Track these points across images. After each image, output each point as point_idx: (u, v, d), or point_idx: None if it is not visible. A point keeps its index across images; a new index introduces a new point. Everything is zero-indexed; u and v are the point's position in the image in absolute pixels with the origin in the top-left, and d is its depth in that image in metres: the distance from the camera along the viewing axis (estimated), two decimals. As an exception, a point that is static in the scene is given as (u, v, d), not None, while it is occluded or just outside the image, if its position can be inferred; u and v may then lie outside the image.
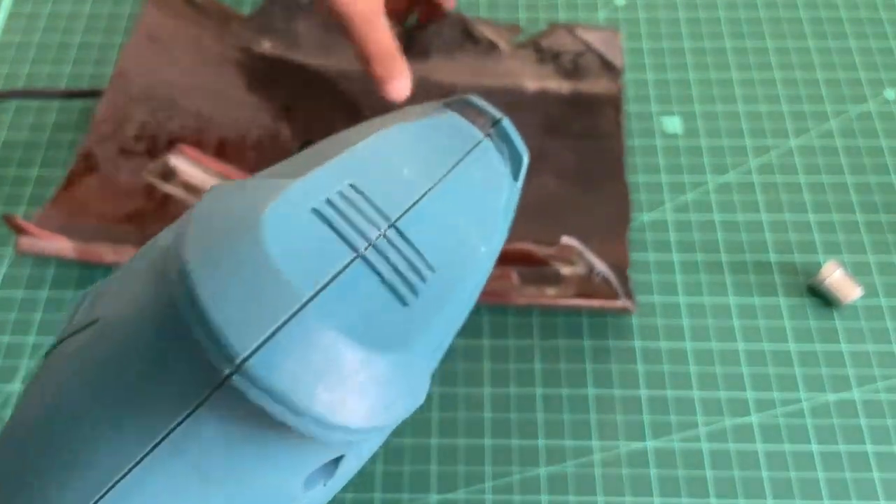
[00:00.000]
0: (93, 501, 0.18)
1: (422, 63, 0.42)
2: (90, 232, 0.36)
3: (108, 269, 0.37)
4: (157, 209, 0.37)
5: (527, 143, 0.39)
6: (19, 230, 0.35)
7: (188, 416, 0.18)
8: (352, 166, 0.21)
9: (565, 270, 0.34)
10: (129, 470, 0.18)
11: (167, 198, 0.38)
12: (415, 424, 0.33)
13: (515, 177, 0.25)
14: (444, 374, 0.34)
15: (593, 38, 0.42)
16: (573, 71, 0.42)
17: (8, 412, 0.34)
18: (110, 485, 0.18)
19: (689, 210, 0.39)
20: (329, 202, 0.20)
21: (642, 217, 0.39)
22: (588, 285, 0.34)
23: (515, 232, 0.35)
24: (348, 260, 0.19)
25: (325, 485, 0.21)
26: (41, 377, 0.21)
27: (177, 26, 0.43)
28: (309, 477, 0.20)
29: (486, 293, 0.34)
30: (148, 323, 0.18)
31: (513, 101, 0.41)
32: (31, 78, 0.44)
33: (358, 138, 0.22)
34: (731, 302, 0.36)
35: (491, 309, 0.36)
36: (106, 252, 0.35)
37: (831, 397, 0.34)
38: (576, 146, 0.40)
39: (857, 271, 0.37)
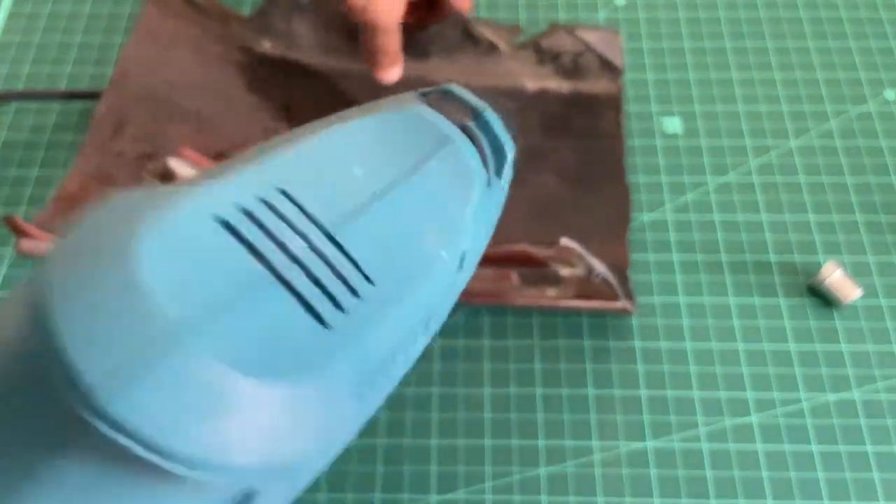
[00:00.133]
0: None
1: (422, 63, 0.42)
2: None
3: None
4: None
5: (527, 142, 0.39)
6: (20, 232, 0.35)
7: (49, 460, 0.16)
8: (288, 167, 0.19)
9: (565, 272, 0.34)
10: None
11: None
12: (415, 425, 0.33)
13: (498, 172, 0.23)
14: (445, 375, 0.34)
15: (593, 39, 0.42)
16: (573, 71, 0.42)
17: None
18: None
19: (689, 210, 0.39)
20: (244, 210, 0.18)
21: (642, 217, 0.39)
22: (588, 286, 0.34)
23: (515, 232, 0.35)
24: (255, 278, 0.17)
25: None
26: None
27: (177, 26, 0.43)
28: None
29: (485, 294, 0.34)
30: (11, 361, 0.17)
31: (513, 102, 0.41)
32: (32, 78, 0.44)
33: (304, 135, 0.20)
34: (731, 302, 0.36)
35: (491, 309, 0.36)
36: None
37: (831, 397, 0.34)
38: (576, 146, 0.40)
39: (857, 272, 0.37)
